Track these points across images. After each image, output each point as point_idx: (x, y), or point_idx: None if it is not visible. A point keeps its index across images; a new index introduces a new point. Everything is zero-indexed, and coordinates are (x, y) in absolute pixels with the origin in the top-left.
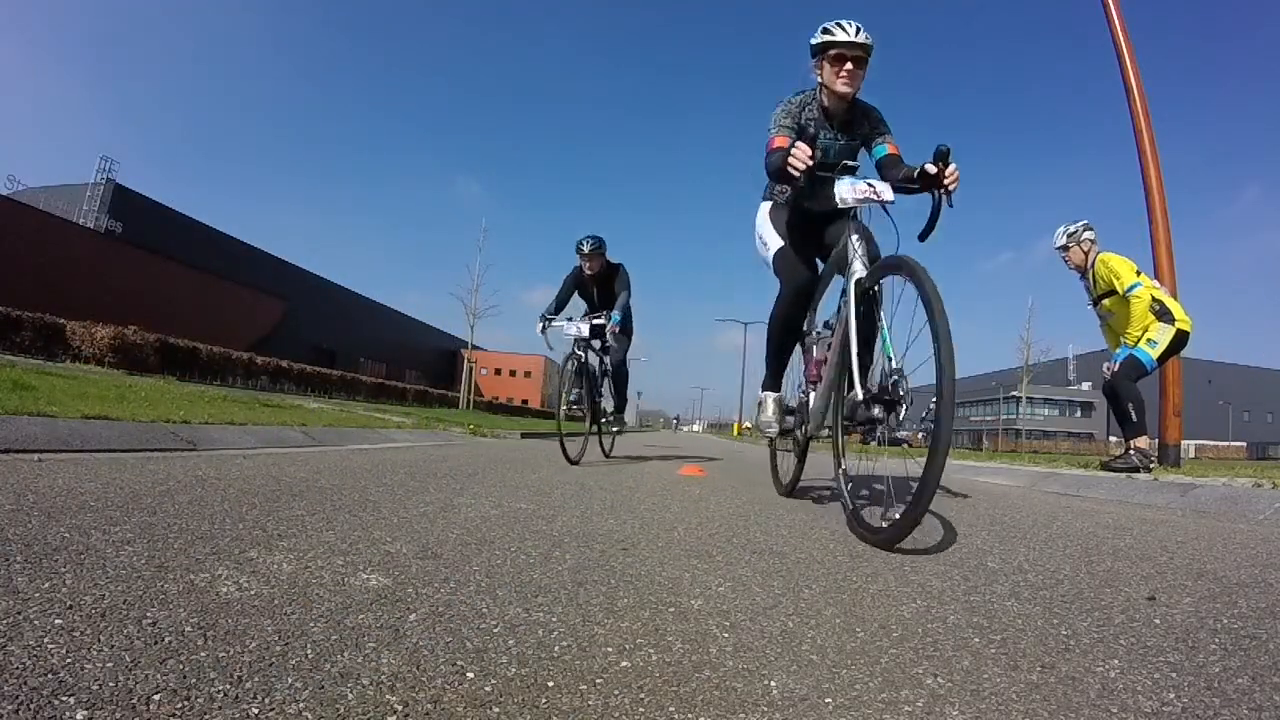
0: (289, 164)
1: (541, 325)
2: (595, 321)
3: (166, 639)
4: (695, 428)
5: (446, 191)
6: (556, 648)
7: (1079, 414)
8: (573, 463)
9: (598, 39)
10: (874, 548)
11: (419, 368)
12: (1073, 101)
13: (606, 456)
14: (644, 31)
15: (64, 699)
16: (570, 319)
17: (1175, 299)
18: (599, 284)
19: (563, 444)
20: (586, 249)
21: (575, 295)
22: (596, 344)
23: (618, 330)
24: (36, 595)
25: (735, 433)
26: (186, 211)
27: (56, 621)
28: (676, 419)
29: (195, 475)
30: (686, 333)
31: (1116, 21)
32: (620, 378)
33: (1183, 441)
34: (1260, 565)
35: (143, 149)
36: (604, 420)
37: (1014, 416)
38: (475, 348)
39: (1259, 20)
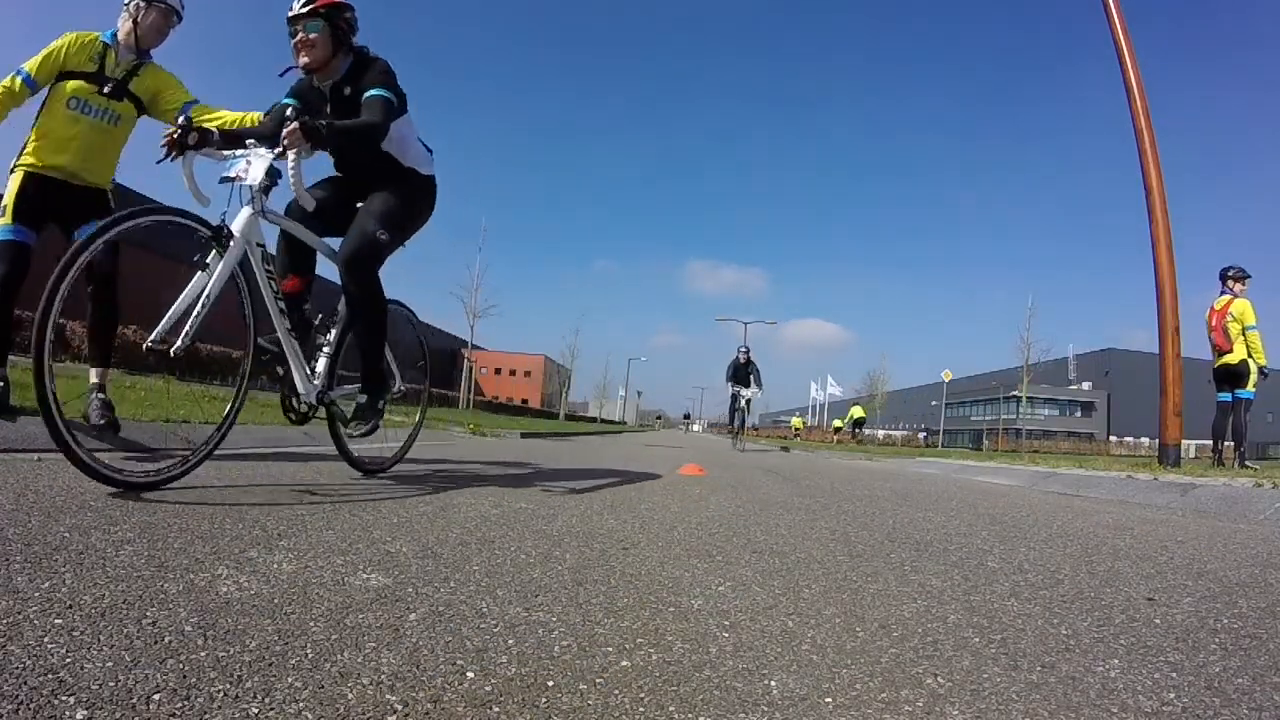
0: None
1: (174, 142)
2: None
3: (166, 639)
4: (695, 428)
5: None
6: (556, 647)
7: (1079, 414)
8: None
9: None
10: (873, 548)
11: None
12: (1072, 100)
13: (367, 470)
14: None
15: (64, 699)
16: (256, 146)
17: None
18: (337, 101)
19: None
20: (297, 7)
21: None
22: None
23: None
24: (36, 595)
25: None
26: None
27: (56, 621)
28: (687, 416)
29: (195, 475)
30: (686, 330)
31: (1117, 21)
32: (363, 285)
33: (1183, 441)
34: (1260, 565)
35: None
36: (333, 407)
37: (1014, 416)
38: (475, 347)
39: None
